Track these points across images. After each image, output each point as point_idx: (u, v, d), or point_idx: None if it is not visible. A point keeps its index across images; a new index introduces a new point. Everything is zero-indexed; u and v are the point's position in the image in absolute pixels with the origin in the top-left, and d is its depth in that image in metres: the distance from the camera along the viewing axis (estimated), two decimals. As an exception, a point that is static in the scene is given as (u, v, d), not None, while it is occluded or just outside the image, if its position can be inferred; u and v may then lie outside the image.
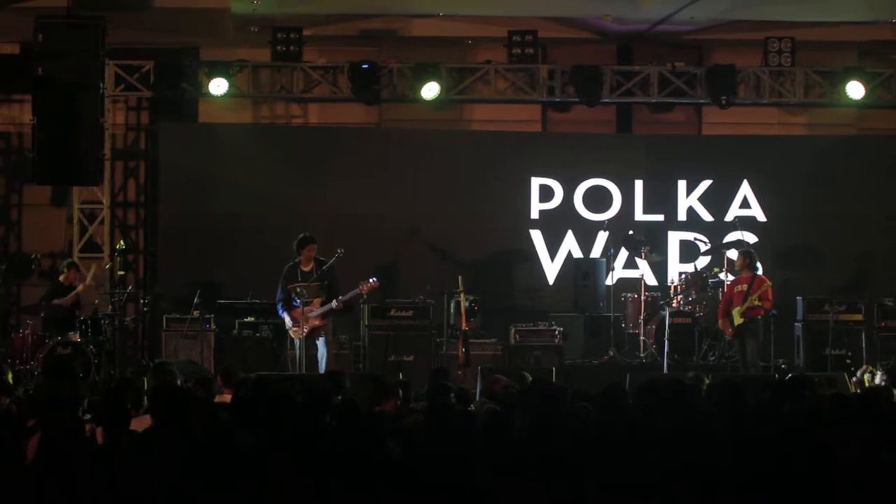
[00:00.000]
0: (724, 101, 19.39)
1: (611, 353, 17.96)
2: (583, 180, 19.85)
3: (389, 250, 19.19)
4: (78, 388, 10.78)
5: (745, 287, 16.89)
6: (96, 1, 18.10)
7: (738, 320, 16.77)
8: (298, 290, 16.05)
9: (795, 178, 19.89)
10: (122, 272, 18.62)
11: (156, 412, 8.21)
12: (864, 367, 15.79)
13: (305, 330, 15.99)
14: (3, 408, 9.84)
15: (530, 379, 11.58)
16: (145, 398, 10.09)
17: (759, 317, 16.83)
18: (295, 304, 16.10)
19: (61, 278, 17.78)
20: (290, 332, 16.30)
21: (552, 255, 19.77)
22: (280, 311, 16.41)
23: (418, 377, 14.73)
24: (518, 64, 19.37)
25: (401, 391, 10.66)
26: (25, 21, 17.87)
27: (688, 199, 19.97)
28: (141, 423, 8.50)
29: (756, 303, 16.72)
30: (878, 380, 13.67)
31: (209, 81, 18.85)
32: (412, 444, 7.90)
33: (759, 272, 17.19)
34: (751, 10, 18.97)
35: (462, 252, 19.41)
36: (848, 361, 17.52)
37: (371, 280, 16.41)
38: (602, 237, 19.32)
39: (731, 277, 17.55)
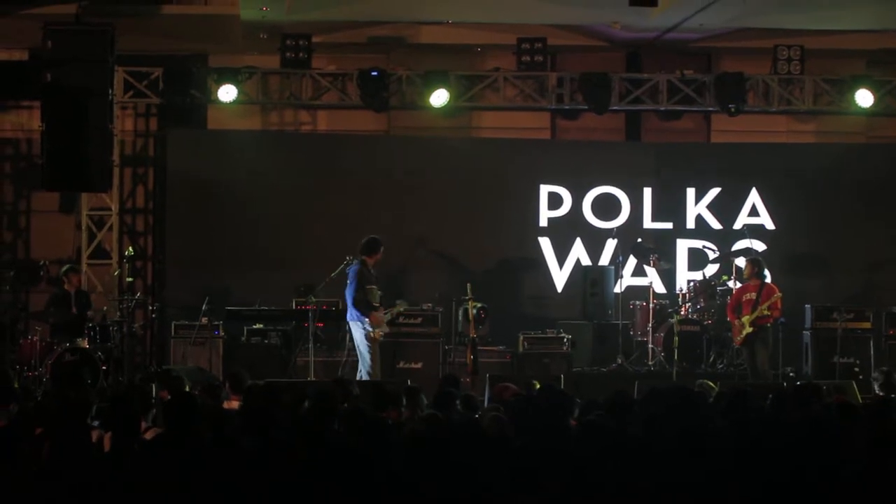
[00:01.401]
0: (732, 109, 19.40)
1: (619, 361, 17.94)
2: (591, 188, 19.84)
3: (398, 257, 19.13)
4: (86, 394, 10.79)
5: (753, 295, 16.84)
6: (105, 8, 18.14)
7: (748, 329, 16.73)
8: (372, 292, 15.94)
9: (804, 185, 19.88)
10: (130, 279, 18.60)
11: (164, 419, 8.22)
12: None
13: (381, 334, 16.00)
14: (11, 415, 9.85)
15: (538, 387, 11.58)
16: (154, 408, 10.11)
17: (769, 325, 16.82)
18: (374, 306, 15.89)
19: (66, 286, 17.77)
20: (373, 334, 15.81)
21: (561, 263, 19.76)
22: (356, 314, 15.82)
23: (426, 384, 14.69)
24: (527, 71, 19.38)
25: (405, 399, 10.65)
26: (34, 28, 17.90)
27: (696, 207, 19.97)
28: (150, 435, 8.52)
29: (766, 312, 16.69)
30: (877, 389, 13.60)
31: (218, 88, 18.87)
32: (416, 452, 7.89)
33: (768, 280, 17.17)
34: (760, 17, 18.94)
35: (470, 259, 19.41)
36: (856, 369, 17.52)
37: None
38: (611, 245, 19.32)
39: (739, 285, 17.55)
